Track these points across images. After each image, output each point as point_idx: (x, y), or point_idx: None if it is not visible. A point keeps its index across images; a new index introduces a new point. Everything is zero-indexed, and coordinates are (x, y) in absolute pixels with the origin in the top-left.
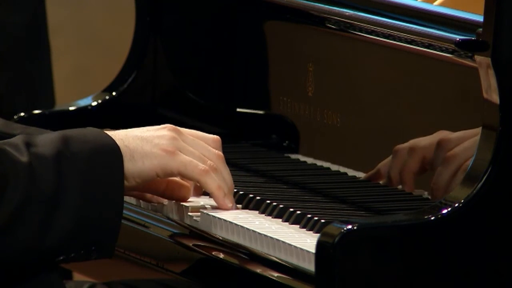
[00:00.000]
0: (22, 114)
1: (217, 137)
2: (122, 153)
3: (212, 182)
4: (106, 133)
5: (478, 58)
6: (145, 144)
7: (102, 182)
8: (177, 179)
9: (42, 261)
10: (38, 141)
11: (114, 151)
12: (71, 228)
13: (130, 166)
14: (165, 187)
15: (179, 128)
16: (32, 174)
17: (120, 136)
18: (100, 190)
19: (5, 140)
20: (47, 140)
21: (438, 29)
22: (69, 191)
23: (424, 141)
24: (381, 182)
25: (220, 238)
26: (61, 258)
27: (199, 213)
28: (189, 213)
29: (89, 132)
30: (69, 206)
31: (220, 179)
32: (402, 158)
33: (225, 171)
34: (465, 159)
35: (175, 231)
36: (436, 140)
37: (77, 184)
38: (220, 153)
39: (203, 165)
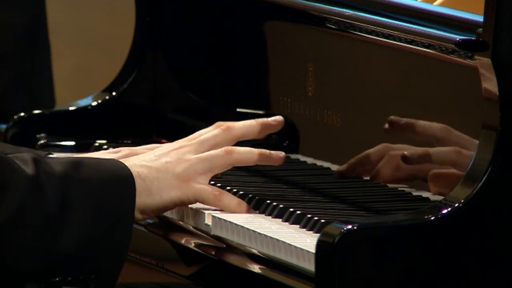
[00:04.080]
0: (22, 114)
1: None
2: (139, 188)
3: (230, 202)
4: (123, 163)
5: (478, 58)
6: (160, 175)
7: (111, 211)
8: None
9: (36, 275)
10: (49, 160)
11: (127, 182)
12: (73, 250)
13: (148, 200)
14: None
15: (190, 140)
16: (37, 187)
17: (136, 167)
18: (108, 220)
19: (16, 154)
20: (58, 160)
21: (438, 29)
22: (76, 212)
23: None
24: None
25: (220, 238)
26: (57, 279)
27: (199, 213)
28: (189, 213)
29: (106, 160)
30: (73, 227)
31: (242, 153)
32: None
33: (241, 149)
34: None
35: (175, 231)
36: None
37: (85, 208)
38: (229, 124)
39: (216, 189)
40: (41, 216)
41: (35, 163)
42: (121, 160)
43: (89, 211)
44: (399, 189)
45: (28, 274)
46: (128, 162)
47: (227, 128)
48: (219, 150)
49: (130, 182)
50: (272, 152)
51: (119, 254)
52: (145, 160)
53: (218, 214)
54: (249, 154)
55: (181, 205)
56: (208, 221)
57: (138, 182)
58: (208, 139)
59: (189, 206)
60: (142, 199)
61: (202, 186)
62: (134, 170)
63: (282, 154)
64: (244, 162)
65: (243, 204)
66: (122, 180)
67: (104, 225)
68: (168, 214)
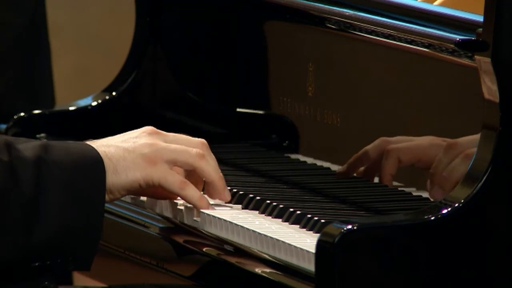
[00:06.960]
0: (22, 114)
1: (203, 140)
2: (106, 167)
3: (193, 194)
4: (90, 145)
5: (478, 58)
6: (127, 155)
7: (83, 194)
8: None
9: (16, 262)
10: (19, 145)
11: (97, 164)
12: (49, 234)
13: (114, 179)
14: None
15: (159, 130)
16: (12, 174)
17: (103, 147)
18: (81, 201)
19: None
20: (28, 145)
21: (438, 29)
22: (50, 197)
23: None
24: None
25: (220, 238)
26: (36, 264)
27: (199, 213)
28: (189, 213)
29: (72, 143)
30: (49, 211)
31: (210, 165)
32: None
33: (211, 158)
34: (467, 147)
35: (175, 231)
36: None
37: (58, 191)
38: (203, 140)
39: (182, 178)
40: (17, 202)
41: (7, 149)
42: (88, 142)
43: (62, 193)
44: (399, 189)
45: (9, 261)
46: (95, 144)
47: (202, 155)
48: (192, 149)
49: (99, 162)
50: (227, 188)
51: (94, 234)
52: (113, 140)
53: (218, 214)
54: (213, 171)
55: (146, 186)
56: (208, 220)
57: (105, 161)
58: (179, 148)
59: (190, 206)
60: (109, 178)
61: (170, 171)
62: (101, 150)
63: (229, 197)
64: (205, 174)
65: (205, 200)
66: (91, 161)
67: (78, 207)
68: (168, 214)
